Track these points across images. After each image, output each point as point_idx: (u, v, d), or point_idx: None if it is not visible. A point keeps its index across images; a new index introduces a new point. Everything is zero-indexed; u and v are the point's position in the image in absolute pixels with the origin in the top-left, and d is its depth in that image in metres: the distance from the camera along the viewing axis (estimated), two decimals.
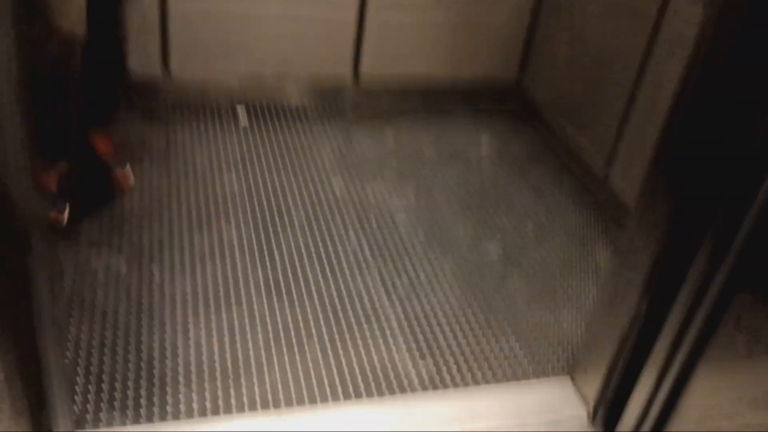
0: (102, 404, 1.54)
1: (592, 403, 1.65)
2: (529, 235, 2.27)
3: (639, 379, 1.48)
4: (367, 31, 2.78)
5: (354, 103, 2.91)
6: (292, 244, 2.10)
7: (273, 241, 2.10)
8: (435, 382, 1.70)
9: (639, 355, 1.49)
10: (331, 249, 2.10)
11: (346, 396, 1.63)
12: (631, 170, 2.34)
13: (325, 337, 1.79)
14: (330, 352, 1.74)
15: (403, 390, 1.67)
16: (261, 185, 2.35)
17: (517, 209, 2.40)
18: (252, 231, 2.13)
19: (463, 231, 2.25)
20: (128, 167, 2.23)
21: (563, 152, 2.73)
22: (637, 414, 1.49)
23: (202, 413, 1.54)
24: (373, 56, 2.85)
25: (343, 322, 1.84)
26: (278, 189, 2.34)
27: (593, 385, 1.63)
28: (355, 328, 1.83)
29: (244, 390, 1.61)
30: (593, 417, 1.64)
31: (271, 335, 1.77)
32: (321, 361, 1.71)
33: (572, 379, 1.74)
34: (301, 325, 1.82)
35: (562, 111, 2.78)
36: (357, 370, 1.70)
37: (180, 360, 1.67)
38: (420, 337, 1.82)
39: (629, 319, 1.50)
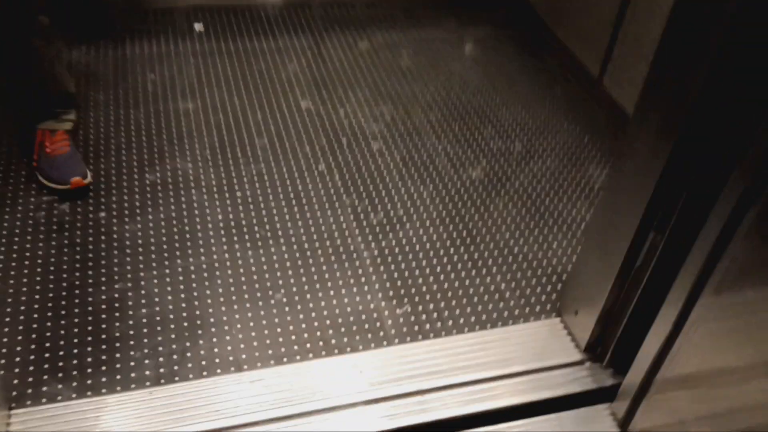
0: (44, 375, 1.39)
1: (584, 346, 1.51)
2: (517, 156, 2.07)
3: (649, 322, 1.31)
4: None
5: (323, 11, 2.63)
6: (255, 179, 1.90)
7: (234, 175, 1.90)
8: (414, 330, 1.55)
9: (644, 296, 1.33)
10: (299, 182, 1.90)
11: (316, 353, 1.48)
12: (627, 72, 2.12)
13: (292, 283, 1.62)
14: (298, 302, 1.58)
15: (378, 342, 1.52)
16: (220, 112, 2.12)
17: (504, 127, 2.18)
18: (210, 165, 1.93)
19: (444, 155, 2.05)
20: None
21: (555, 59, 2.49)
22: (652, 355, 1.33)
23: (156, 381, 1.39)
24: None
25: (312, 265, 1.67)
26: (239, 115, 2.12)
27: (586, 329, 1.49)
28: (326, 271, 1.66)
29: (202, 351, 1.46)
30: (589, 359, 1.50)
31: (232, 285, 1.60)
32: (288, 314, 1.55)
33: (563, 321, 1.59)
34: (266, 271, 1.64)
35: (552, 11, 2.51)
36: (327, 322, 1.55)
37: (131, 319, 1.51)
38: (397, 279, 1.66)
39: (625, 251, 1.32)
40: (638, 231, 1.29)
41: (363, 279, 1.65)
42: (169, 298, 1.56)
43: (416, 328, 1.55)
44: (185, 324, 1.51)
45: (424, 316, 1.58)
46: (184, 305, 1.55)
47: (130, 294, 1.56)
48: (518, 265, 1.73)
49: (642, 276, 1.33)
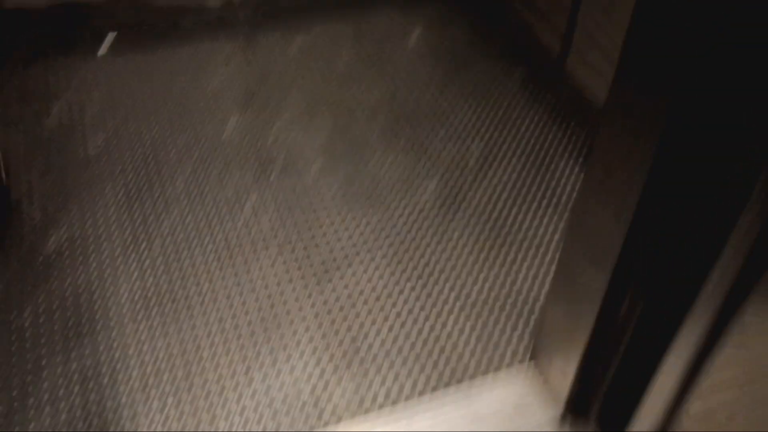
0: None
1: (564, 399, 1.29)
2: (474, 165, 1.82)
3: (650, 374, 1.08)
4: None
5: (251, 7, 2.34)
6: (173, 231, 1.65)
7: (147, 229, 1.65)
8: (359, 403, 1.33)
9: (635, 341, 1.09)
10: (223, 228, 1.66)
11: None
12: (594, 47, 1.85)
13: (217, 365, 1.39)
14: (223, 389, 1.36)
15: (318, 424, 1.31)
16: (133, 146, 1.86)
17: (458, 128, 1.93)
18: (123, 209, 1.68)
19: (392, 173, 1.80)
20: None
21: (511, 40, 2.21)
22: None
23: None
24: None
25: (239, 337, 1.44)
26: (156, 148, 1.86)
27: (564, 378, 1.26)
28: (255, 343, 1.43)
29: None
30: (568, 417, 1.29)
31: (146, 374, 1.38)
32: (212, 404, 1.33)
33: (537, 368, 1.37)
34: (185, 352, 1.42)
35: None
36: (259, 408, 1.33)
37: None
38: (340, 341, 1.43)
39: (599, 302, 1.09)
40: (612, 282, 1.06)
41: (299, 346, 1.42)
42: (73, 400, 1.34)
43: (362, 400, 1.34)
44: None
45: (370, 384, 1.36)
46: (89, 402, 1.33)
47: (15, 405, 1.34)
48: (481, 304, 1.50)
49: (627, 326, 1.11)
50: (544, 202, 1.73)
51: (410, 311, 1.49)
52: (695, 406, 1.21)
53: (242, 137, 1.88)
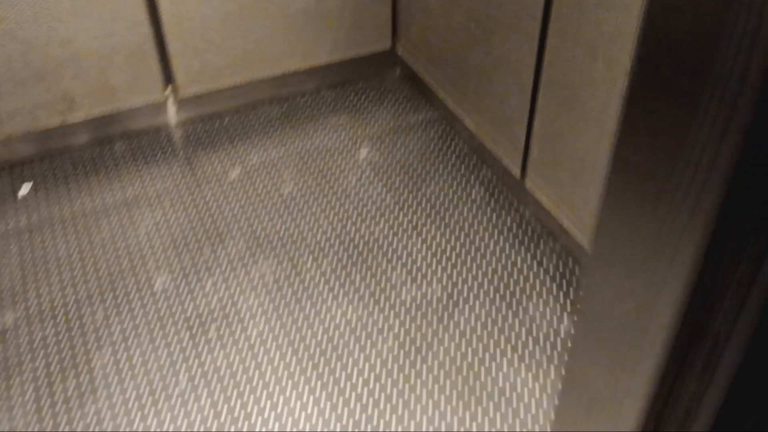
0: None
1: None
2: (438, 305, 1.63)
3: None
4: (171, 43, 2.01)
5: (185, 132, 2.17)
6: (105, 408, 1.40)
7: (74, 406, 1.41)
8: None
9: None
10: (158, 407, 1.42)
11: None
12: (554, 166, 1.70)
13: None
14: None
15: None
16: (48, 320, 1.63)
17: (417, 263, 1.74)
18: (43, 393, 1.43)
19: (342, 328, 1.59)
20: None
21: (466, 154, 2.06)
22: None
23: None
24: (189, 69, 2.09)
25: None
26: (74, 320, 1.62)
27: None
28: None
29: None
30: None
31: None
32: None
33: None
34: None
35: (457, 93, 2.09)
36: None
37: None
38: None
39: None
40: None
41: None
42: None
43: None
44: None
45: None
46: None
47: None
48: None
49: None
50: (520, 344, 1.54)
51: None
52: None
53: (170, 299, 1.67)
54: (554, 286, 1.66)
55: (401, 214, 1.87)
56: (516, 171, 1.84)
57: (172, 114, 2.16)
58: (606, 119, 1.45)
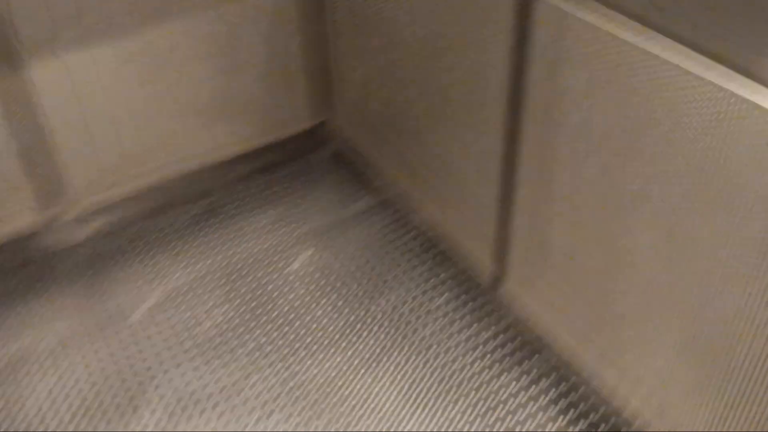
0: None
1: None
2: None
3: None
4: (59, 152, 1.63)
5: (88, 255, 1.78)
6: None
7: None
8: None
9: None
10: None
11: None
12: (534, 269, 1.41)
13: None
14: None
15: None
16: None
17: (383, 409, 1.41)
18: None
19: None
20: None
21: (427, 256, 1.74)
22: None
23: None
24: (84, 176, 1.71)
25: None
26: None
27: None
28: None
29: None
30: None
31: None
32: None
33: None
34: None
35: (404, 172, 1.78)
36: None
37: None
38: None
39: None
40: None
41: None
42: None
43: None
44: None
45: None
46: None
47: None
48: None
49: None
50: None
51: None
52: None
53: None
54: (546, 405, 1.36)
55: (351, 346, 1.54)
56: (489, 273, 1.54)
57: (63, 234, 1.77)
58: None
